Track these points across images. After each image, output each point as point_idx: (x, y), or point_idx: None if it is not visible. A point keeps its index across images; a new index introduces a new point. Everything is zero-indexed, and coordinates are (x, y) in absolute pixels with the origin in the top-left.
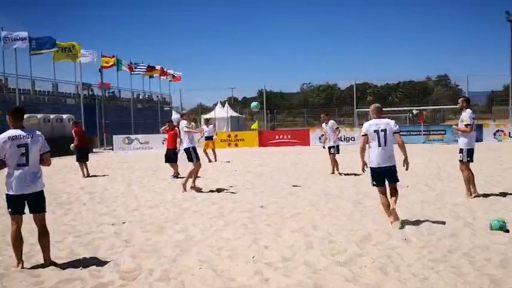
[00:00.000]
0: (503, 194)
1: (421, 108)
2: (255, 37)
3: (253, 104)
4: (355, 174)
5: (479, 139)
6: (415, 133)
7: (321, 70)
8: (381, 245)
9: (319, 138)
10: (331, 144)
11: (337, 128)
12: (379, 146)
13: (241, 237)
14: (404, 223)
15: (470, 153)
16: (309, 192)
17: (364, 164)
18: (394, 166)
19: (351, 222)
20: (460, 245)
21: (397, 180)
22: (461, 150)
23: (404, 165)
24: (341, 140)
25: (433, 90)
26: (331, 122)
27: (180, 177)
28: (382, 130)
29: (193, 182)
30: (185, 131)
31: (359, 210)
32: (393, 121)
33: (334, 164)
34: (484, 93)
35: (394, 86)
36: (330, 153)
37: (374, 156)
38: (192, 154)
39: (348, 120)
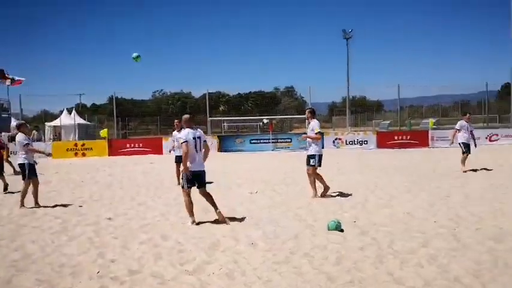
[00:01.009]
0: (340, 196)
1: (271, 117)
2: (103, 41)
3: (135, 54)
4: (208, 182)
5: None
6: (265, 141)
7: (174, 78)
8: (229, 251)
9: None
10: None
11: None
12: (197, 152)
13: (85, 252)
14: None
15: (320, 158)
16: (160, 202)
17: (186, 168)
18: (205, 171)
19: (200, 230)
20: (301, 246)
21: (205, 184)
22: (313, 156)
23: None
24: None
25: (281, 100)
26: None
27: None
28: (198, 137)
29: (22, 200)
30: (23, 147)
31: (209, 217)
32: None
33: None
34: (325, 104)
35: (245, 96)
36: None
37: (192, 161)
38: (26, 171)
39: (202, 128)
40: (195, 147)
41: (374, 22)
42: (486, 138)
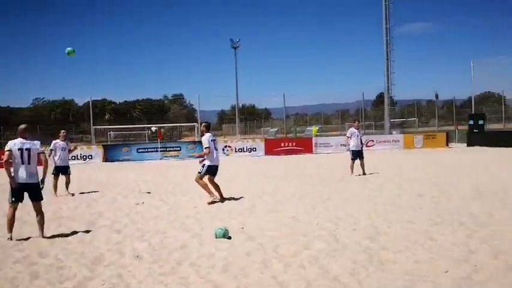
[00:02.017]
0: (228, 203)
1: (159, 125)
2: None
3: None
4: (94, 191)
5: None
6: (152, 150)
7: (56, 84)
8: (113, 265)
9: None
10: (65, 164)
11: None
12: (23, 163)
13: None
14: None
15: (209, 169)
16: None
17: (11, 178)
18: (38, 183)
19: (82, 245)
20: (188, 256)
21: (41, 198)
22: (203, 166)
23: (41, 184)
24: (77, 159)
25: (170, 108)
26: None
27: None
28: (26, 149)
29: None
30: None
31: (92, 231)
32: (39, 142)
33: (67, 181)
34: (215, 112)
35: (133, 104)
36: (66, 174)
37: (18, 173)
38: None
39: (86, 137)
40: (22, 159)
41: (261, 33)
42: (363, 144)
